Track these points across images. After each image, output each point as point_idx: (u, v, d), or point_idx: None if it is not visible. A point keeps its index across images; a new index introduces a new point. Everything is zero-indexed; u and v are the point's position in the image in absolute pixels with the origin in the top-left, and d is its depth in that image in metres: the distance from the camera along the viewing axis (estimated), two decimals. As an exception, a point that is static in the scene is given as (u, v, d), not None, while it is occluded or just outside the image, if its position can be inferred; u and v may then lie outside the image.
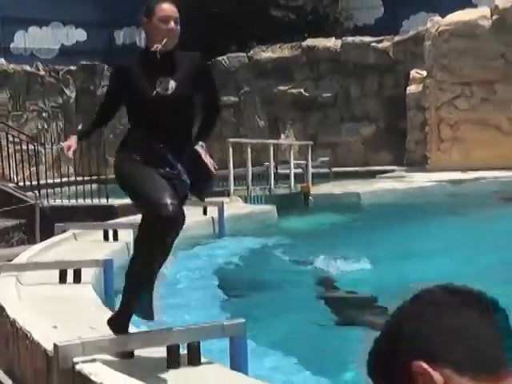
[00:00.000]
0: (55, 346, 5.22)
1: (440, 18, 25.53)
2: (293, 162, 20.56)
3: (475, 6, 26.42)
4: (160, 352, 5.34)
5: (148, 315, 5.69)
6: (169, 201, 5.45)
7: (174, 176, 5.77)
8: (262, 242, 14.49)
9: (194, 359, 5.30)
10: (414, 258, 12.75)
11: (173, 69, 6.11)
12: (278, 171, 20.52)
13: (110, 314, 7.37)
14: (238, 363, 5.57)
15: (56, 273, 8.63)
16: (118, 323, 5.71)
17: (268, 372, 6.68)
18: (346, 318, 9.48)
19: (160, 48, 6.06)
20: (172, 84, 5.99)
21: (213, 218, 14.90)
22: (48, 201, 18.54)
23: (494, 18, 24.51)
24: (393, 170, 24.51)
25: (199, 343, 5.41)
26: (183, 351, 5.38)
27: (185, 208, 15.47)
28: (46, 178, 20.26)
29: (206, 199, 17.58)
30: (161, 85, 5.98)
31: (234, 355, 5.61)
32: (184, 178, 5.80)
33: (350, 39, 28.97)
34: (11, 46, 32.46)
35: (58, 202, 18.67)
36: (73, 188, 19.34)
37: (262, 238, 14.71)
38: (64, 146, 6.30)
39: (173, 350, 5.29)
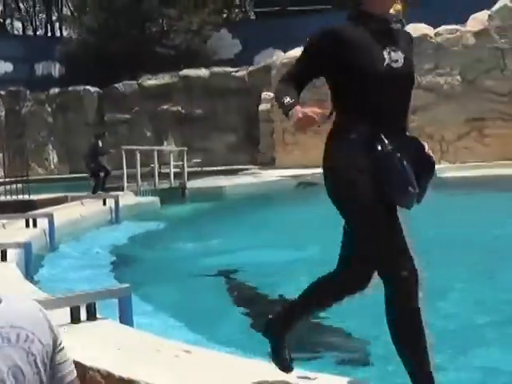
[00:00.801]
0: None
1: (283, 53, 25.83)
2: (172, 163, 20.58)
3: (309, 44, 26.71)
4: (65, 311, 5.31)
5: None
6: (409, 267, 3.41)
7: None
8: (148, 225, 14.47)
9: (91, 316, 5.29)
10: (265, 237, 12.88)
11: (396, 38, 3.70)
12: (161, 171, 20.48)
13: (29, 284, 7.32)
14: (124, 318, 5.57)
15: (-13, 254, 8.52)
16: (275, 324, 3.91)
17: (153, 326, 6.65)
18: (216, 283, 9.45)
19: (392, 11, 3.75)
20: (400, 56, 3.62)
21: (111, 208, 14.82)
22: (-17, 198, 18.23)
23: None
24: (249, 168, 24.67)
25: (95, 303, 5.40)
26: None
27: (97, 201, 15.11)
28: (-19, 180, 19.90)
29: (104, 193, 17.66)
30: (390, 55, 3.61)
31: (121, 312, 5.62)
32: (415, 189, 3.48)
33: (215, 69, 29.18)
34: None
35: (-9, 198, 18.35)
36: (2, 187, 18.93)
37: (148, 223, 14.70)
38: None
39: (75, 310, 5.28)
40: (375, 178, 3.45)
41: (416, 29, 24.09)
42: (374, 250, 3.50)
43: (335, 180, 3.58)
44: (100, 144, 19.35)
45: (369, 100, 3.55)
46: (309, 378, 3.71)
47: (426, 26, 24.11)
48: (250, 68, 28.80)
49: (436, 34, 23.87)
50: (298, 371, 3.83)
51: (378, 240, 3.47)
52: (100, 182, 19.51)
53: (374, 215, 3.45)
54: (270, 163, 24.85)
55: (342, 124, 3.59)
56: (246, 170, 24.30)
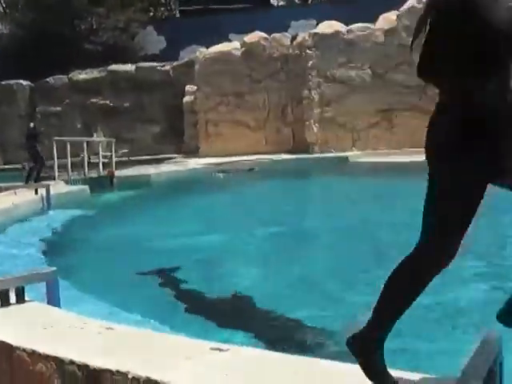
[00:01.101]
0: None
1: (205, 49, 25.85)
2: (101, 153, 20.46)
3: (230, 41, 26.76)
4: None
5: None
6: (453, 253, 3.11)
7: None
8: (78, 212, 14.34)
9: (19, 299, 5.25)
10: (188, 221, 12.94)
11: None
12: (91, 161, 20.30)
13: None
14: (52, 300, 5.53)
15: None
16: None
17: (79, 308, 6.61)
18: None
19: None
20: None
21: (42, 197, 14.63)
22: None
23: (242, 49, 25.00)
24: (174, 157, 24.62)
25: (23, 287, 5.35)
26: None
27: (30, 190, 14.87)
28: None
29: (35, 182, 17.43)
30: None
31: (49, 295, 5.58)
32: None
33: (141, 64, 28.99)
34: None
35: None
36: None
37: (78, 210, 14.57)
38: None
39: (4, 294, 5.23)
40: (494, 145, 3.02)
41: (330, 26, 24.41)
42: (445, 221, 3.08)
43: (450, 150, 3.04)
44: (32, 125, 19.24)
45: (500, 62, 3.03)
46: (221, 350, 3.77)
47: (339, 23, 24.39)
48: (175, 63, 28.68)
49: (348, 31, 24.11)
50: (211, 343, 3.89)
51: (456, 216, 3.07)
52: (33, 173, 19.24)
53: (469, 191, 3.06)
54: (193, 152, 24.84)
55: (466, 87, 3.03)
56: (172, 158, 24.27)
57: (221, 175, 19.80)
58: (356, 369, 3.16)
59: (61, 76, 29.39)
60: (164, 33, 33.62)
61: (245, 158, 21.58)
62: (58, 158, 18.30)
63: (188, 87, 26.31)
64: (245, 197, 15.99)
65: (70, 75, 29.39)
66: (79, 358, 3.70)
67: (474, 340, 3.34)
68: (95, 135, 25.58)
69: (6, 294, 5.23)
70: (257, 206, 14.38)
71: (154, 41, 33.66)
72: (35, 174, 19.27)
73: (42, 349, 3.93)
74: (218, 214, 14.09)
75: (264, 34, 25.10)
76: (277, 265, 9.08)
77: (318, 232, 11.59)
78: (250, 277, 8.42)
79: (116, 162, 20.48)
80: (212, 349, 3.79)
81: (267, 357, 3.86)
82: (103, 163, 20.11)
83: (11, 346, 4.13)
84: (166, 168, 21.15)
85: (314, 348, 5.62)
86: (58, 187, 16.57)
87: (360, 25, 24.12)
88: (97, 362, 3.64)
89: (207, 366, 3.53)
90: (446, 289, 7.01)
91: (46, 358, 3.85)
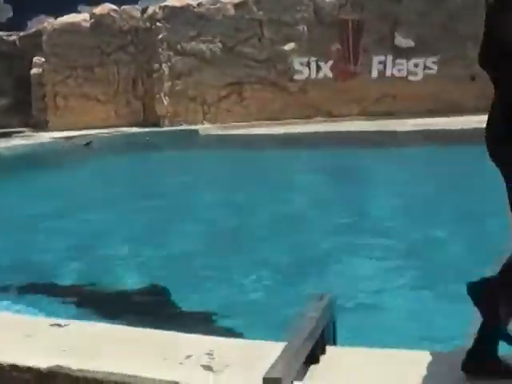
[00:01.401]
0: None
1: (54, 20, 25.30)
2: None
3: (79, 12, 26.23)
4: None
5: None
6: None
7: None
8: None
9: None
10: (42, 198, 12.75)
11: None
12: None
13: None
14: None
15: None
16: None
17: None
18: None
19: None
20: None
21: None
22: None
23: (91, 20, 24.60)
24: (23, 131, 24.01)
25: None
26: None
27: None
28: None
29: None
30: None
31: None
32: None
33: (-14, 34, 28.01)
34: None
35: None
36: None
37: None
38: None
39: None
40: None
41: (180, -1, 24.38)
42: None
43: None
44: None
45: None
46: (60, 325, 3.77)
47: (189, -5, 24.39)
48: (22, 33, 27.80)
49: (199, 5, 24.12)
50: (50, 319, 3.89)
51: None
52: None
53: None
54: (42, 126, 24.27)
55: None
56: (20, 132, 23.66)
57: (61, 150, 19.53)
58: (207, 340, 3.22)
59: None
60: (10, 1, 32.57)
61: (94, 131, 21.34)
62: None
63: (36, 59, 25.59)
64: (95, 170, 15.82)
65: None
66: None
67: (310, 301, 3.47)
68: None
69: None
70: (99, 184, 14.27)
71: (0, 9, 32.58)
72: None
73: None
74: (71, 189, 13.89)
75: (113, 6, 24.77)
76: (132, 244, 9.08)
77: (164, 208, 11.60)
78: (99, 255, 8.40)
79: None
80: (51, 325, 3.78)
81: (109, 331, 3.89)
82: None
83: None
84: (13, 142, 20.66)
85: (180, 325, 5.67)
86: None
87: (210, -2, 24.21)
88: None
89: (45, 343, 3.53)
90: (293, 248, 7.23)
91: None
